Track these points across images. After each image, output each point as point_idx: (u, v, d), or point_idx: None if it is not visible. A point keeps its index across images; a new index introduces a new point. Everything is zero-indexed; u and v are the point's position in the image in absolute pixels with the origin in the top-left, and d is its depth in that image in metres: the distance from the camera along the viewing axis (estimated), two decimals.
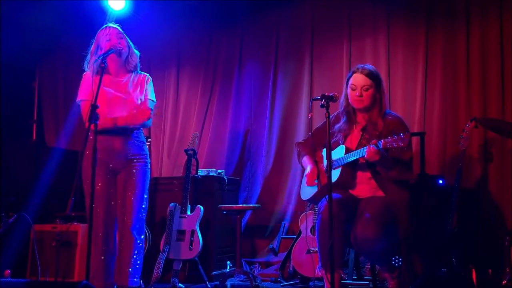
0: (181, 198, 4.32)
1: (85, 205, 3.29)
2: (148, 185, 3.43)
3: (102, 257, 3.27)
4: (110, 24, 3.44)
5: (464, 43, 4.56)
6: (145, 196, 3.39)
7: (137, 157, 3.37)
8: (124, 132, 3.32)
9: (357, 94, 3.18)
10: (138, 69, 3.50)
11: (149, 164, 3.45)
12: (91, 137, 3.16)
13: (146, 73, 3.52)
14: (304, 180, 3.46)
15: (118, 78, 3.40)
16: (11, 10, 5.13)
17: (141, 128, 3.45)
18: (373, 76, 3.20)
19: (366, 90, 3.17)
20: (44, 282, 3.53)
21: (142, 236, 3.35)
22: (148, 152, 3.48)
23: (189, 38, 5.84)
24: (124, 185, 3.33)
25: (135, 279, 3.27)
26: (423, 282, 3.68)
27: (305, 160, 3.42)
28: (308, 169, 3.34)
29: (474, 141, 4.30)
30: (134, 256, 3.28)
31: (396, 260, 3.00)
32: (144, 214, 3.37)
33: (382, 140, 2.88)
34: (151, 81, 3.51)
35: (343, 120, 3.31)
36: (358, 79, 3.19)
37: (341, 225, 3.01)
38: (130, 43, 3.44)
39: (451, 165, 4.36)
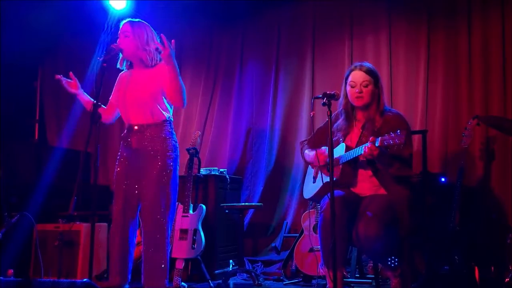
0: (183, 197, 4.32)
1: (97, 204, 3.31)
2: (169, 184, 3.26)
3: (119, 256, 3.24)
4: (129, 19, 3.40)
5: (465, 40, 4.56)
6: (170, 196, 3.25)
7: (159, 154, 3.25)
8: (143, 129, 3.29)
9: (357, 90, 3.17)
10: (158, 62, 3.39)
11: (172, 160, 3.27)
12: (122, 135, 3.35)
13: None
14: (307, 177, 3.46)
15: (137, 72, 3.39)
16: (13, 10, 5.13)
17: (167, 122, 3.33)
18: (371, 72, 3.21)
19: (366, 86, 3.18)
20: (47, 282, 3.53)
21: (165, 236, 3.24)
22: (172, 147, 3.30)
23: (190, 37, 5.84)
24: (143, 185, 3.26)
25: (159, 281, 3.20)
26: (426, 280, 3.69)
27: (308, 151, 3.43)
28: (313, 153, 3.30)
29: (476, 139, 4.29)
30: (160, 254, 3.22)
31: (393, 261, 3.00)
32: (166, 214, 3.24)
33: (379, 138, 2.87)
34: None
35: (341, 118, 3.31)
36: (357, 75, 3.19)
37: (343, 224, 3.01)
38: (145, 38, 3.34)
39: (453, 163, 4.35)
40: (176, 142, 3.36)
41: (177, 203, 4.30)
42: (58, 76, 3.37)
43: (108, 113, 3.50)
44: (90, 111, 3.32)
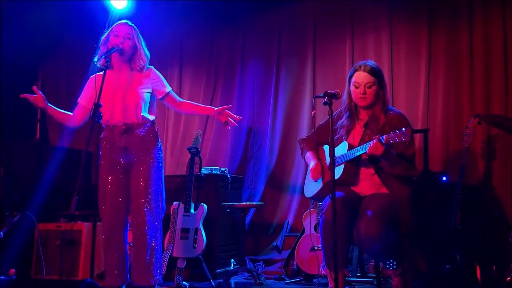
0: (184, 196, 4.32)
1: (97, 204, 3.31)
2: (158, 182, 3.35)
3: (115, 256, 3.25)
4: (126, 21, 3.44)
5: (467, 39, 4.55)
6: (159, 192, 3.34)
7: (147, 153, 3.32)
8: (131, 128, 3.32)
9: (361, 91, 3.16)
10: (144, 70, 3.46)
11: (158, 159, 3.37)
12: (102, 136, 3.35)
13: (150, 66, 3.48)
14: (308, 176, 3.46)
15: (120, 73, 3.40)
16: (14, 10, 5.14)
17: (153, 124, 3.42)
18: (375, 72, 3.18)
19: (370, 87, 3.16)
20: (50, 281, 3.54)
21: (158, 232, 3.28)
22: (159, 146, 3.40)
23: (191, 36, 5.85)
24: (132, 183, 3.30)
25: (151, 277, 3.21)
26: (427, 279, 3.68)
27: (309, 156, 3.42)
28: (312, 164, 3.34)
29: (477, 137, 4.29)
30: (148, 252, 3.22)
31: (391, 264, 2.99)
32: (156, 211, 3.30)
33: (385, 136, 2.87)
34: (156, 72, 3.47)
35: (345, 116, 3.30)
36: (361, 76, 3.17)
37: (344, 226, 3.00)
38: (141, 44, 3.41)
39: (454, 162, 4.35)
40: (160, 143, 3.45)
41: (178, 202, 4.32)
42: (23, 95, 3.33)
43: (78, 117, 3.47)
44: (59, 121, 3.43)
